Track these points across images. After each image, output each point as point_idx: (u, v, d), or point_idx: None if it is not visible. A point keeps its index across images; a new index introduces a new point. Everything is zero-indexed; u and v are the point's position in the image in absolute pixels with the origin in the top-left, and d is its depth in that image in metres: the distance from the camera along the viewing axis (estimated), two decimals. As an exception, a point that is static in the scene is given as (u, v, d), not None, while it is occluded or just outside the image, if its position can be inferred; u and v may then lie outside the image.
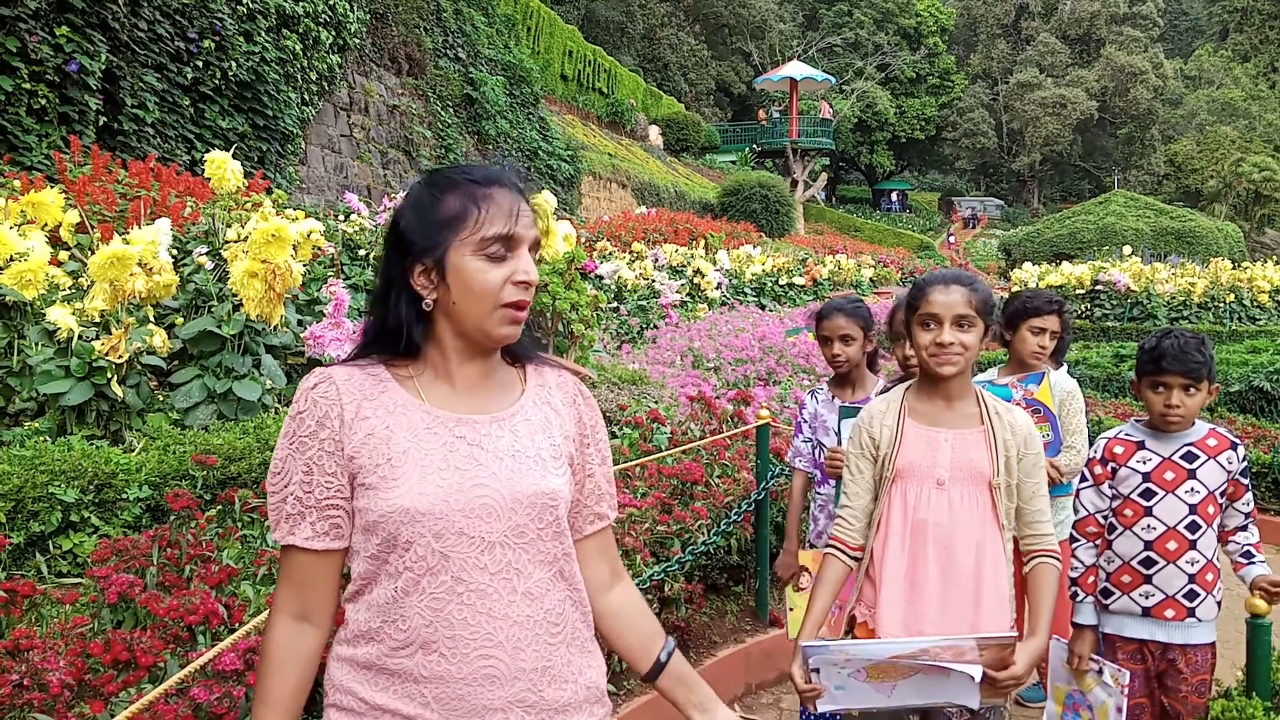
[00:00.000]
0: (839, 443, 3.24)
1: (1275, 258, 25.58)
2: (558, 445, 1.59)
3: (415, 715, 1.42)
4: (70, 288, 4.78)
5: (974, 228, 54.31)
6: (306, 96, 12.93)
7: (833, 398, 3.55)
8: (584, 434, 1.66)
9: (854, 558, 2.41)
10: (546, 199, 6.66)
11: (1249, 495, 2.81)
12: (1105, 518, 2.88)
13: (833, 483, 3.47)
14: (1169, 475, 2.77)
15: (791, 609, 3.39)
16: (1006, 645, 2.08)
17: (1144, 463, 2.80)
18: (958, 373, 2.30)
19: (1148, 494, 2.79)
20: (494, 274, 1.47)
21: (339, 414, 1.46)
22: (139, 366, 4.49)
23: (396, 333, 1.52)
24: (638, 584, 3.56)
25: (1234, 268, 19.39)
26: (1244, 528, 2.81)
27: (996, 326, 2.47)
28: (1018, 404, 3.37)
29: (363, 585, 1.48)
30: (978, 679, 2.04)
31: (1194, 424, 2.80)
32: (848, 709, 2.21)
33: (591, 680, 1.57)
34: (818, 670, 2.15)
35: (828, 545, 2.46)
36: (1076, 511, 2.93)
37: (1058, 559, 2.38)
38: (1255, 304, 18.10)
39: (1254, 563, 2.78)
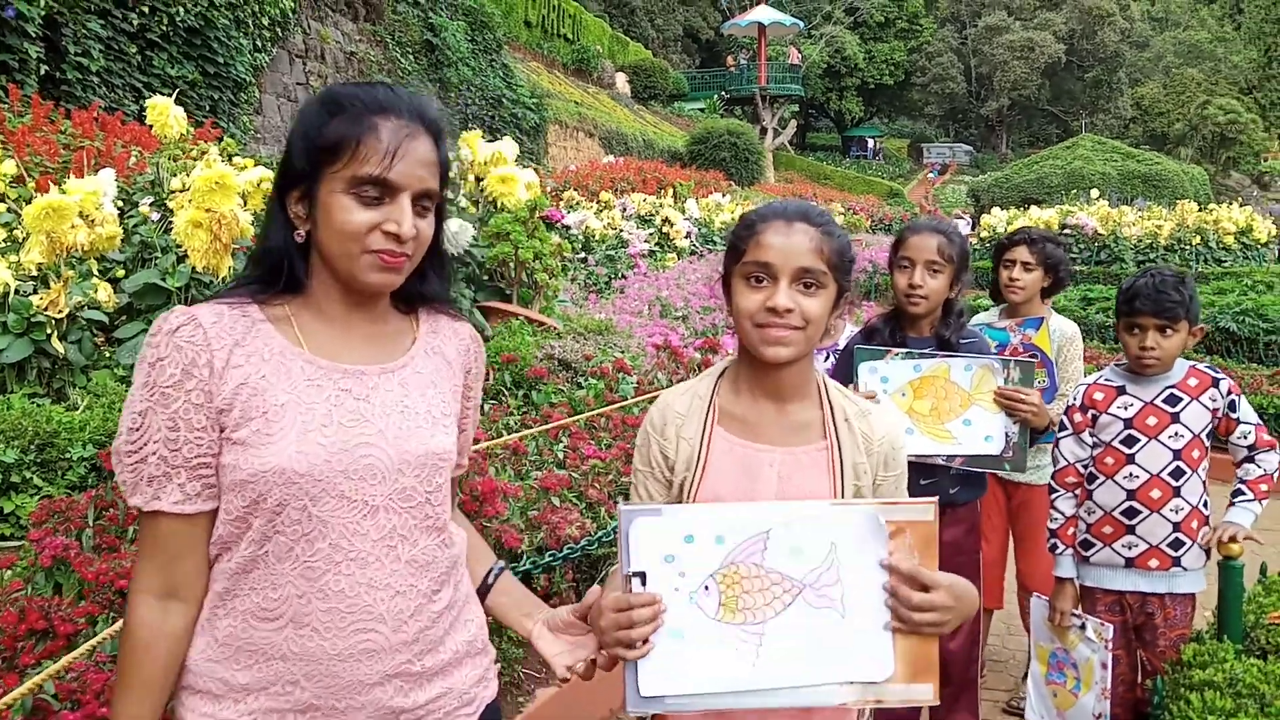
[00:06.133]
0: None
1: (1240, 200, 25.72)
2: (447, 401, 1.47)
3: (285, 694, 1.30)
4: (5, 241, 4.57)
5: (944, 174, 54.21)
6: (259, 43, 12.54)
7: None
8: (468, 385, 1.54)
9: None
10: (507, 147, 6.48)
11: (1245, 428, 2.70)
12: (1085, 467, 2.80)
13: None
14: (1151, 420, 2.69)
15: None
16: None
17: (1125, 408, 2.72)
18: (795, 358, 1.56)
19: (1129, 440, 2.71)
20: (359, 216, 1.30)
21: (207, 361, 1.28)
22: (82, 321, 4.31)
23: (277, 263, 1.36)
24: (602, 535, 3.50)
25: (1200, 210, 19.42)
26: (1249, 459, 2.71)
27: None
28: (1015, 349, 3.30)
29: (221, 549, 1.32)
30: None
31: (1173, 366, 2.72)
32: None
33: (471, 634, 1.48)
34: None
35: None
36: (1055, 462, 2.86)
37: None
38: (1221, 246, 18.14)
39: (1238, 504, 2.70)
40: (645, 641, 1.37)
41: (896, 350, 2.74)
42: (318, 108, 1.34)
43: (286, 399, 1.30)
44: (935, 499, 1.42)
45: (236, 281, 1.40)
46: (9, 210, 5.03)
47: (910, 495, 2.72)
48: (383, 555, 1.33)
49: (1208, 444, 2.70)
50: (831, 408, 1.63)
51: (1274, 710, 2.20)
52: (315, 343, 1.36)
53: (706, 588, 1.39)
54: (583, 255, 11.43)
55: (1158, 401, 2.70)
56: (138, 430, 1.28)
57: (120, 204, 5.03)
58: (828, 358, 3.41)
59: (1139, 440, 2.69)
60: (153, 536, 1.30)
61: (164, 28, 10.49)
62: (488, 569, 1.61)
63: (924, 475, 2.78)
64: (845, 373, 2.81)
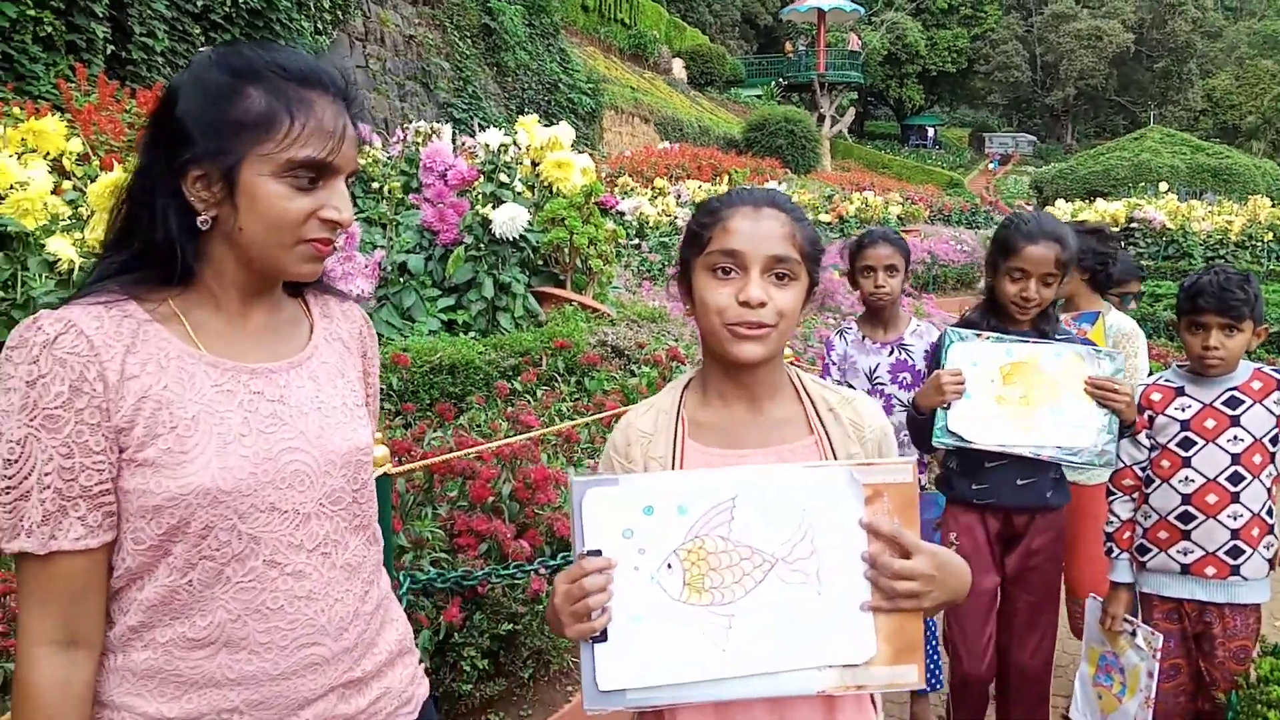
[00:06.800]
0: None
1: (1315, 196, 24.87)
2: (355, 390, 1.37)
3: None
4: (70, 218, 4.65)
5: (1005, 165, 53.20)
6: (320, 25, 12.66)
7: (863, 338, 3.39)
8: (366, 369, 1.44)
9: None
10: (563, 132, 6.45)
11: None
12: (1143, 469, 2.72)
13: None
14: (1209, 423, 2.59)
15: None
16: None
17: (1183, 410, 2.64)
18: (768, 357, 1.43)
19: (1186, 443, 2.62)
20: (296, 204, 1.17)
21: (98, 374, 1.12)
22: (143, 299, 4.38)
23: (166, 255, 1.18)
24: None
25: (1272, 205, 18.79)
26: None
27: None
28: None
29: (130, 580, 1.18)
30: None
31: (1237, 367, 2.62)
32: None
33: (400, 632, 1.41)
34: None
35: None
36: (1112, 463, 2.76)
37: None
38: (1294, 243, 17.59)
39: None
40: (603, 614, 1.24)
41: (988, 333, 2.65)
42: (223, 75, 1.16)
43: (196, 410, 1.17)
44: (914, 458, 1.31)
45: (98, 273, 1.22)
46: (74, 188, 5.12)
47: (1006, 495, 2.64)
48: (318, 564, 1.24)
49: (1273, 450, 2.59)
50: (812, 400, 1.49)
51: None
52: (212, 342, 1.22)
53: (669, 565, 1.26)
54: (636, 242, 11.40)
55: (1217, 404, 2.60)
56: (17, 462, 1.10)
57: (182, 183, 5.10)
58: (892, 352, 3.31)
59: (1196, 443, 2.61)
60: (48, 579, 1.14)
61: (227, 9, 10.65)
62: None
63: (1022, 475, 2.70)
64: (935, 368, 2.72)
